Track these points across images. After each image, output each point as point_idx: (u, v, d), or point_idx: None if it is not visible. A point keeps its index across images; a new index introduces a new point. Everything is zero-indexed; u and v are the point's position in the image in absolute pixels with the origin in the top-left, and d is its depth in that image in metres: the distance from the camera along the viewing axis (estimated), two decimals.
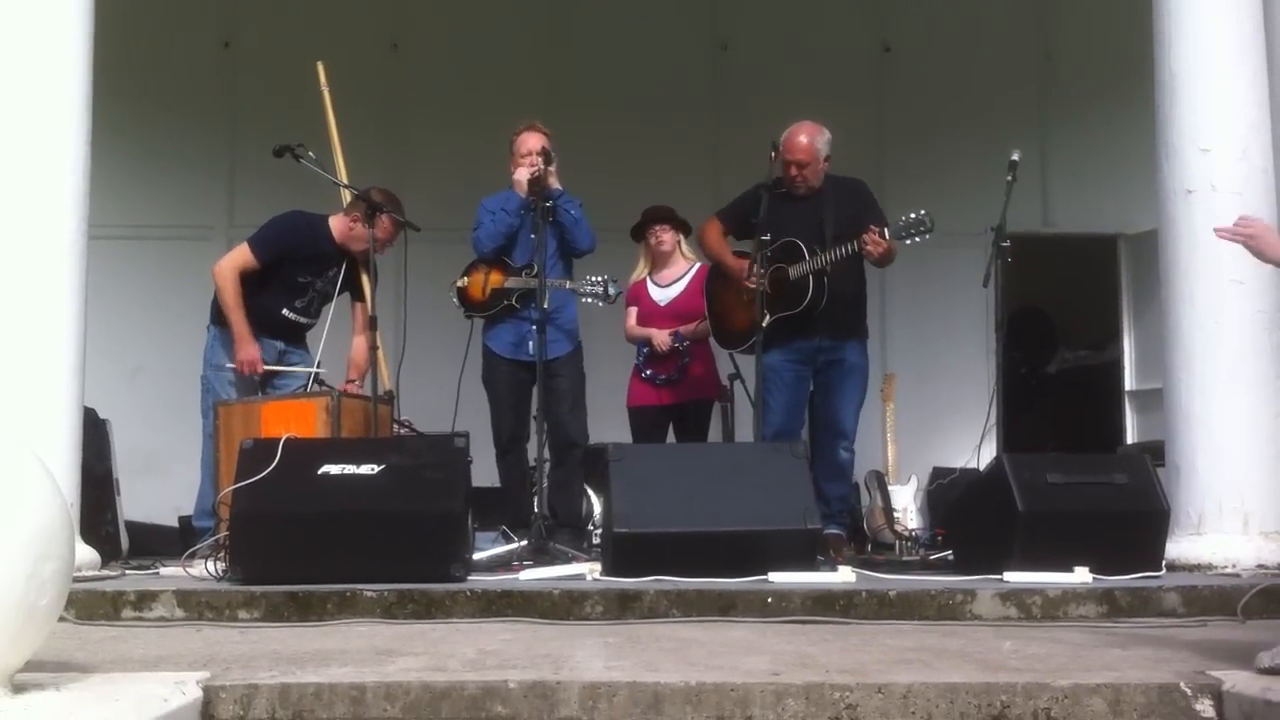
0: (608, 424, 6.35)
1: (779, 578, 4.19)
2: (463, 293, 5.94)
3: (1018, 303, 8.37)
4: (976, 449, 5.71)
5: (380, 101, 8.52)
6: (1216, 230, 3.46)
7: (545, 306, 5.47)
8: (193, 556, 4.63)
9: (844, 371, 5.75)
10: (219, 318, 5.73)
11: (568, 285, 5.81)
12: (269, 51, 8.48)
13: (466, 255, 6.00)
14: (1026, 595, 4.06)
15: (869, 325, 5.96)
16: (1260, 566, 4.72)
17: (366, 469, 4.42)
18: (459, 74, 8.70)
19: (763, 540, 4.45)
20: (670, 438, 6.44)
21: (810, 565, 4.47)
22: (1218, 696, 2.71)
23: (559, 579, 4.37)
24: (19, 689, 2.47)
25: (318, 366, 5.78)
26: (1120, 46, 7.26)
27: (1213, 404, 4.94)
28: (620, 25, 8.78)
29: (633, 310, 6.57)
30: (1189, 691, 2.73)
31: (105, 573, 4.71)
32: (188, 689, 2.64)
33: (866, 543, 6.63)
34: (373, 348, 5.53)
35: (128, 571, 4.99)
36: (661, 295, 6.55)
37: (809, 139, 5.70)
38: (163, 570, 4.97)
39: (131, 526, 6.35)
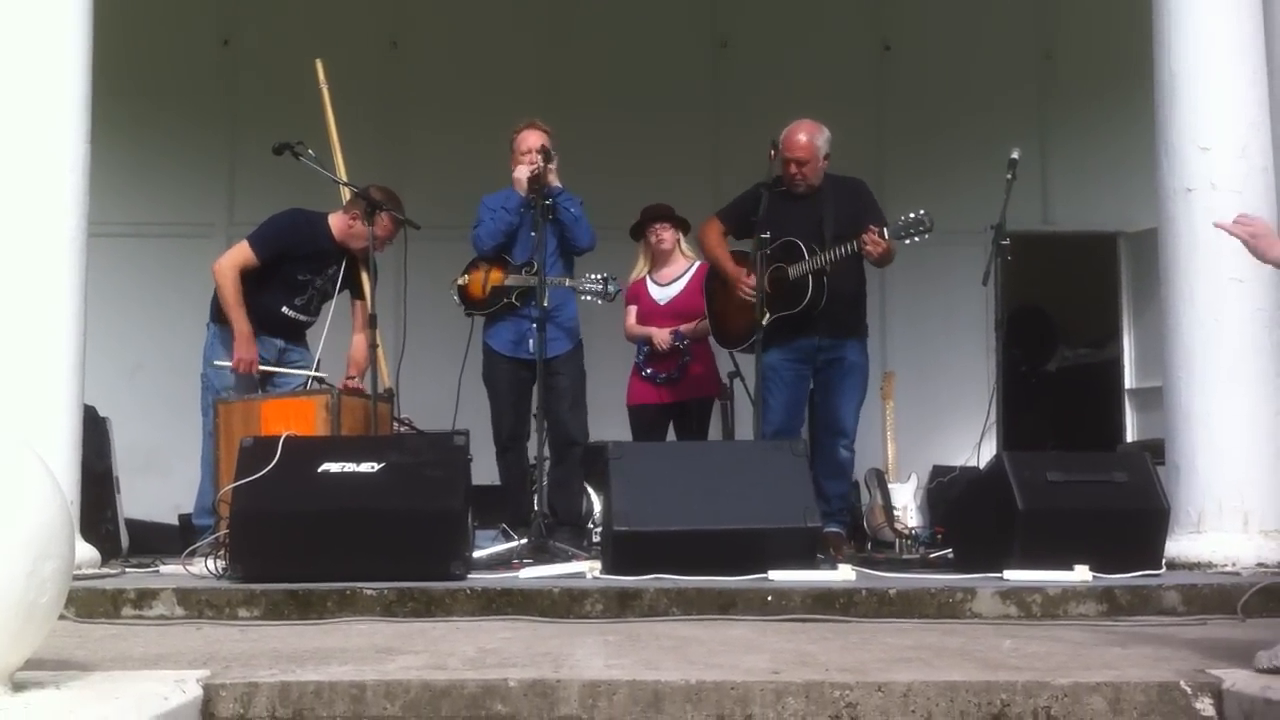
0: (608, 422, 6.35)
1: (779, 576, 4.19)
2: (463, 290, 5.94)
3: (1018, 301, 8.40)
4: (976, 447, 5.71)
5: (380, 100, 8.52)
6: (1217, 223, 3.45)
7: (545, 304, 5.46)
8: (193, 554, 4.63)
9: (844, 370, 5.75)
10: (219, 315, 5.72)
11: (568, 283, 5.81)
12: (268, 50, 8.49)
13: (466, 253, 6.00)
14: (1026, 593, 4.05)
15: (869, 323, 5.96)
16: (1260, 565, 4.72)
17: (366, 467, 4.42)
18: (459, 72, 8.69)
19: (763, 538, 4.44)
20: (670, 436, 6.45)
21: (810, 563, 4.47)
22: (1218, 695, 2.70)
23: (559, 577, 4.37)
24: (19, 687, 2.47)
25: (316, 369, 5.78)
26: (1120, 46, 7.26)
27: (1213, 402, 4.93)
28: (620, 24, 8.78)
29: (632, 309, 6.56)
30: (1189, 690, 2.72)
31: (105, 571, 4.70)
32: (188, 687, 2.63)
33: (866, 541, 6.64)
34: (372, 346, 5.52)
35: (128, 569, 4.98)
36: (661, 294, 6.55)
37: (809, 137, 5.70)
38: (163, 568, 4.96)
39: (131, 524, 6.36)
